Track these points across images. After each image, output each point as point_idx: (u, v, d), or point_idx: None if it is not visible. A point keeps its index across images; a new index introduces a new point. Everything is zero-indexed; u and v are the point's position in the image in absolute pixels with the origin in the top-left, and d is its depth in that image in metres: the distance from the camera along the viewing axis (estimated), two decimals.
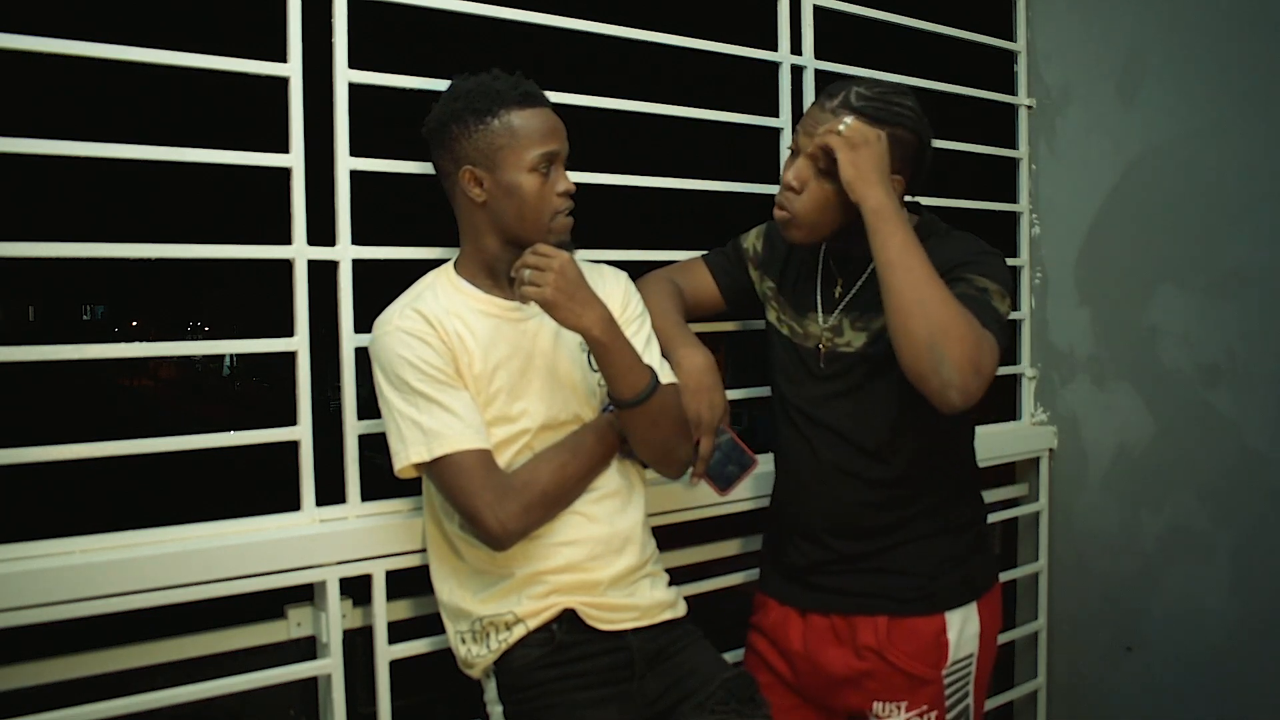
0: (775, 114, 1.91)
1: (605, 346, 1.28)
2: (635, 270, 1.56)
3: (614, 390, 1.32)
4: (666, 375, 1.43)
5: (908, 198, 1.51)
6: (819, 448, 1.49)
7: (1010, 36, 2.32)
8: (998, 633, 1.57)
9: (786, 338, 1.55)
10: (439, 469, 1.27)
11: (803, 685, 1.55)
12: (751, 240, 1.66)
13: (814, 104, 1.43)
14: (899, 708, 1.46)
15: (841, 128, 1.33)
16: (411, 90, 1.50)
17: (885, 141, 1.34)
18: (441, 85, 1.43)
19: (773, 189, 1.90)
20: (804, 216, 1.41)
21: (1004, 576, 1.85)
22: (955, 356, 1.22)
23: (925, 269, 1.26)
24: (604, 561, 1.36)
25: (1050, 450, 2.29)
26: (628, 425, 1.36)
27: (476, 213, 1.35)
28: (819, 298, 1.52)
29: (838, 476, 1.47)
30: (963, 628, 1.47)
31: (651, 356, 1.42)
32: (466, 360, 1.32)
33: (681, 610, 1.45)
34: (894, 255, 1.27)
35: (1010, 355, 2.35)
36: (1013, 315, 2.28)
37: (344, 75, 1.44)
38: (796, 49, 1.94)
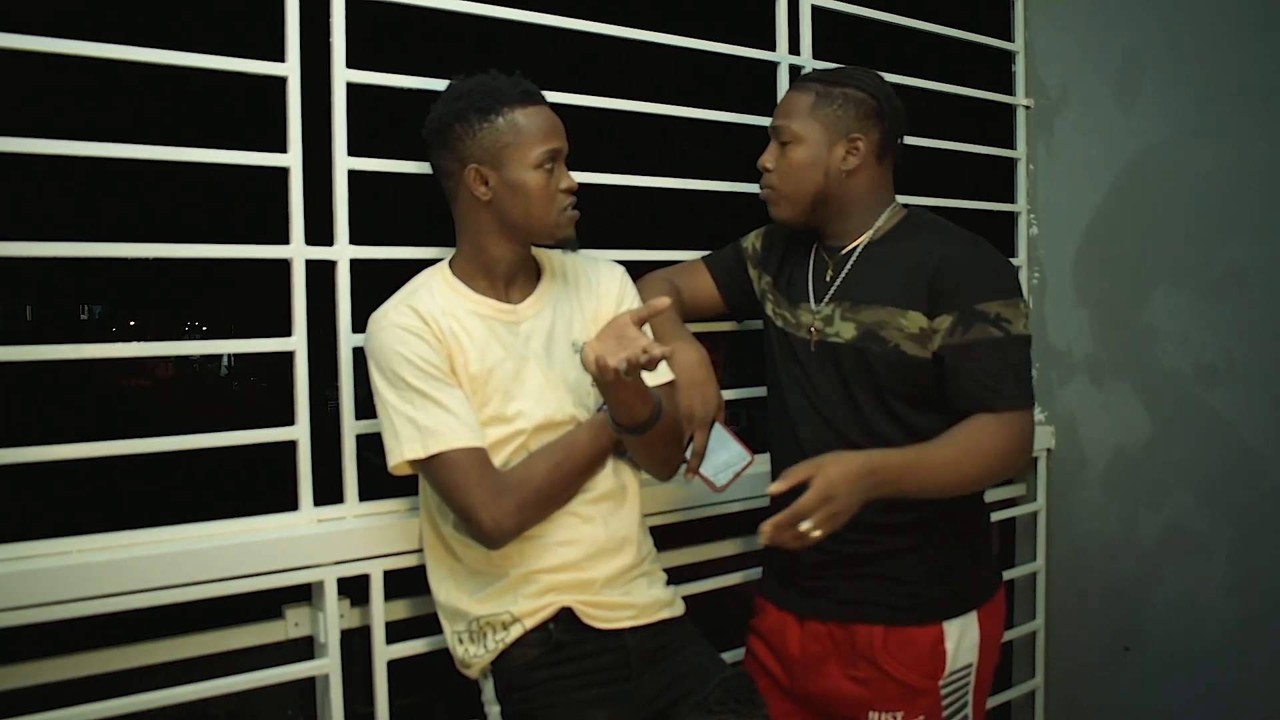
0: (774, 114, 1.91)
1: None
2: (636, 270, 1.56)
3: (615, 416, 1.30)
4: (663, 374, 1.43)
5: (900, 198, 1.51)
6: (806, 441, 1.48)
7: (1008, 37, 2.32)
8: (999, 641, 1.56)
9: (780, 329, 1.55)
10: (434, 466, 1.27)
11: (799, 691, 1.55)
12: (751, 240, 1.67)
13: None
14: (895, 717, 1.45)
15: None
16: (410, 90, 1.50)
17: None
18: (440, 85, 1.43)
19: None
20: (781, 188, 1.50)
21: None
22: (1004, 473, 1.42)
23: (942, 465, 1.33)
24: (600, 561, 1.36)
25: (1048, 450, 2.29)
26: (624, 441, 1.36)
27: (480, 212, 1.35)
28: (810, 286, 1.53)
29: None
30: (961, 637, 1.47)
31: None
32: (462, 360, 1.32)
33: (679, 609, 1.45)
34: (922, 486, 1.33)
35: None
36: None
37: (342, 75, 1.45)
38: (795, 49, 1.94)
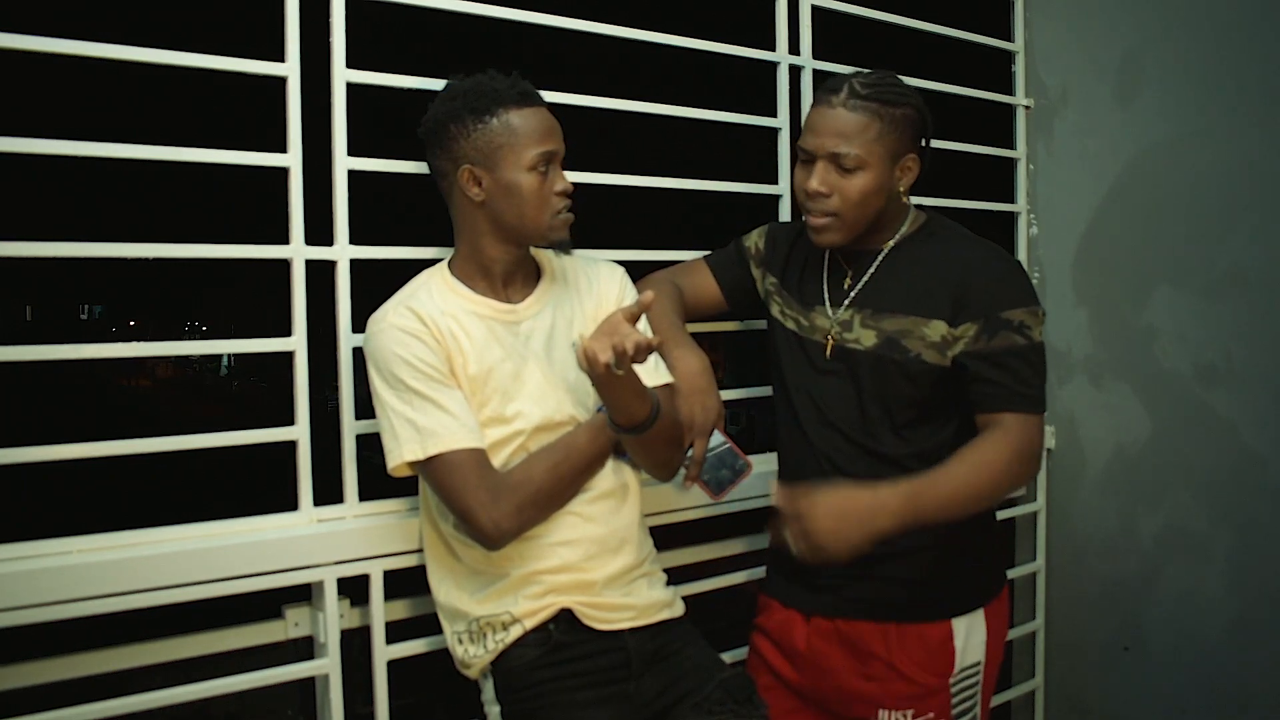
0: (774, 114, 1.92)
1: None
2: (635, 270, 1.56)
3: (613, 416, 1.30)
4: (662, 375, 1.43)
5: (912, 199, 1.51)
6: (817, 444, 1.48)
7: (1008, 37, 2.32)
8: (1004, 640, 1.56)
9: (792, 331, 1.54)
10: (433, 468, 1.27)
11: (806, 688, 1.55)
12: (754, 239, 1.66)
13: (816, 104, 1.43)
14: (905, 716, 1.45)
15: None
16: (410, 90, 1.50)
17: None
18: (439, 85, 1.43)
19: (771, 189, 1.91)
20: (846, 215, 1.42)
21: None
22: (1016, 481, 1.40)
23: (955, 492, 1.33)
24: (600, 561, 1.36)
25: (1048, 450, 2.29)
26: (623, 441, 1.36)
27: (475, 213, 1.34)
28: (826, 290, 1.52)
29: (836, 474, 1.46)
30: (969, 635, 1.47)
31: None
32: (461, 361, 1.32)
33: (679, 610, 1.45)
34: (943, 509, 1.32)
35: None
36: None
37: (342, 75, 1.44)
38: (794, 49, 1.94)
